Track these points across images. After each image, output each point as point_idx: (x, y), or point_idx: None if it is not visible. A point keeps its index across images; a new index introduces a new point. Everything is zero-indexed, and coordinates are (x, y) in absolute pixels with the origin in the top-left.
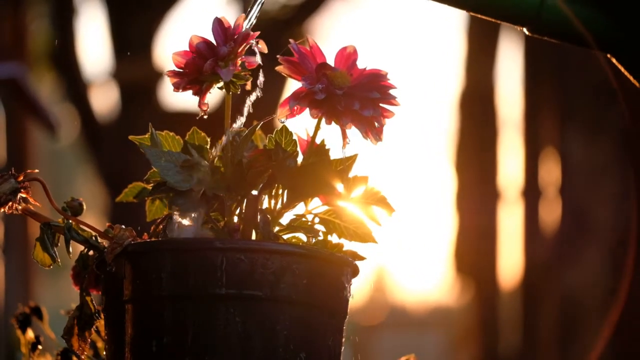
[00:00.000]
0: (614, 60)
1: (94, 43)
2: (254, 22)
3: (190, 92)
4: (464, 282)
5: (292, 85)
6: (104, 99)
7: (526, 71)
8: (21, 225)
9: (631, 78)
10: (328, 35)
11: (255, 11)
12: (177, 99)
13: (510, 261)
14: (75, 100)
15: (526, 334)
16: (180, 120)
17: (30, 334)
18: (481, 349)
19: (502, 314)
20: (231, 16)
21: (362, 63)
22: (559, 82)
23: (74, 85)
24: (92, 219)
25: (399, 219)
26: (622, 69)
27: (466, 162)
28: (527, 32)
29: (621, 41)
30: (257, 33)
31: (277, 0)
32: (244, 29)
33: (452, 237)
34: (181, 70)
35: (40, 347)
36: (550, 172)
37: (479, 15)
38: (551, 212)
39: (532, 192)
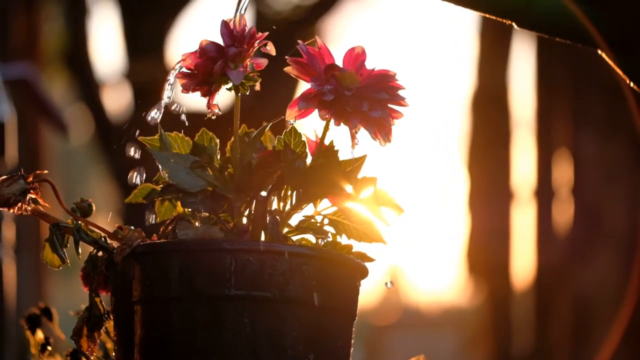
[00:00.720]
0: (604, 57)
1: (106, 43)
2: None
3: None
4: (476, 282)
5: (302, 86)
6: (117, 100)
7: (539, 72)
8: (33, 226)
9: (622, 74)
10: (340, 36)
11: (241, 9)
12: (188, 100)
13: (523, 262)
14: (87, 100)
15: (539, 335)
16: (191, 121)
17: (39, 334)
18: (494, 349)
19: (514, 314)
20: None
21: (370, 64)
22: (572, 83)
23: (87, 86)
24: (105, 220)
25: (412, 219)
26: (614, 66)
27: (479, 163)
28: (515, 26)
29: (614, 38)
30: (265, 34)
31: (290, 1)
32: (239, 25)
33: (464, 238)
34: (190, 72)
35: (49, 347)
36: (563, 173)
37: (469, 9)
38: (564, 213)
39: (545, 193)
